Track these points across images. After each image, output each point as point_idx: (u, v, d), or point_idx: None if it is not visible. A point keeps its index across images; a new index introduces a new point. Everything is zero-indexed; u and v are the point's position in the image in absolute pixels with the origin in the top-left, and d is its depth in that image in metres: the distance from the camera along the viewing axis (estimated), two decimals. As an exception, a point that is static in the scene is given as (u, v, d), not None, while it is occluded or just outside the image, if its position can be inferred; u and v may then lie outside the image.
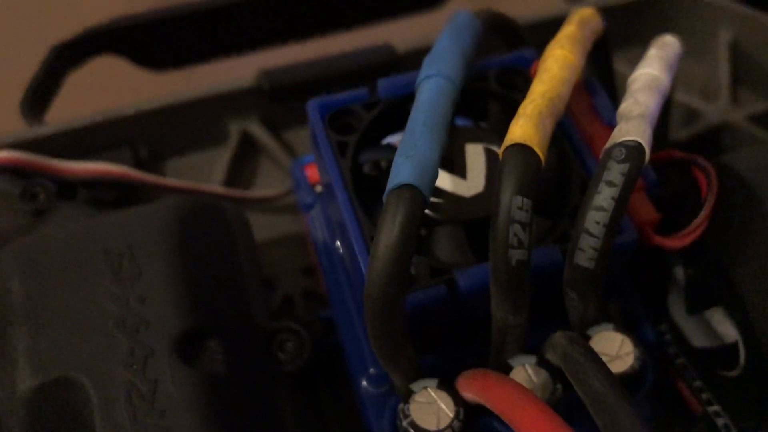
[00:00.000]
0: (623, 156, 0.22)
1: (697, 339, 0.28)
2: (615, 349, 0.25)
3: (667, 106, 0.31)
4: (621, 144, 0.22)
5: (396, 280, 0.21)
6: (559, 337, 0.23)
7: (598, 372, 0.20)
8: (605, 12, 0.38)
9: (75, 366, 0.24)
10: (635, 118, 0.23)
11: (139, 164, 0.37)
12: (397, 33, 0.43)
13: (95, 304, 0.25)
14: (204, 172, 0.38)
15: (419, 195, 0.21)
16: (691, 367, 0.29)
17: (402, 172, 0.21)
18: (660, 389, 0.30)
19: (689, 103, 0.39)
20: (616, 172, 0.22)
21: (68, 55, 0.39)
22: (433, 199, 0.26)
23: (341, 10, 0.42)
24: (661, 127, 0.32)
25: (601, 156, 0.22)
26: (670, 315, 0.29)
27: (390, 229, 0.20)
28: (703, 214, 0.25)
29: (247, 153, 0.39)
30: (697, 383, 0.29)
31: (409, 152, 0.22)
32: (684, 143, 0.37)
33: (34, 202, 0.33)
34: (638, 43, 0.40)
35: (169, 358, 0.24)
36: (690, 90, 0.40)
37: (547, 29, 0.28)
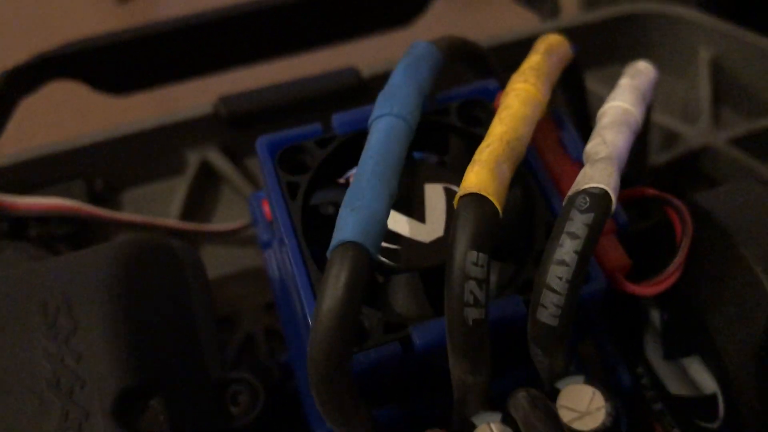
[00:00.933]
0: (587, 205, 0.20)
1: (674, 386, 0.27)
2: (585, 403, 0.23)
3: (645, 132, 0.30)
4: (585, 191, 0.20)
5: (340, 344, 0.19)
6: (521, 398, 0.21)
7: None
8: (581, 29, 0.37)
9: (3, 433, 0.22)
10: (601, 160, 0.21)
11: (93, 197, 0.36)
12: (366, 52, 0.41)
13: (28, 363, 0.23)
14: (162, 203, 0.36)
15: (364, 252, 0.19)
16: (668, 414, 0.27)
17: (346, 227, 0.19)
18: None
19: (669, 125, 0.37)
20: (579, 222, 0.20)
21: (21, 81, 0.38)
22: (389, 245, 0.24)
23: (308, 29, 0.41)
24: (640, 154, 0.31)
25: (563, 204, 0.21)
26: (646, 358, 0.28)
27: (333, 291, 0.19)
28: (677, 260, 0.24)
29: (207, 183, 0.37)
30: (675, 431, 0.27)
31: (355, 203, 0.20)
32: (664, 167, 0.35)
33: (-22, 242, 0.31)
34: (616, 61, 0.38)
35: (106, 420, 0.22)
36: (670, 110, 0.38)
37: (519, 50, 0.26)
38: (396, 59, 0.25)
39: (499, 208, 0.20)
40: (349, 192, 0.21)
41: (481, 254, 0.20)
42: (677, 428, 0.27)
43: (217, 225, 0.35)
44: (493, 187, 0.20)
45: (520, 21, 0.41)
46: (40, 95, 0.39)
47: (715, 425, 0.25)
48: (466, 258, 0.19)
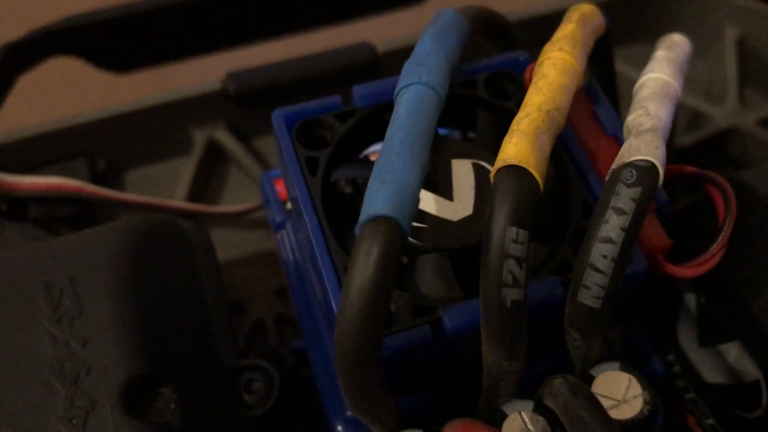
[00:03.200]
0: (634, 178, 0.19)
1: (710, 374, 0.25)
2: (622, 392, 0.22)
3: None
4: (631, 164, 0.19)
5: (371, 327, 0.18)
6: (560, 385, 0.20)
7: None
8: (604, 6, 0.35)
9: (6, 422, 0.21)
10: (646, 132, 0.20)
11: (96, 177, 0.34)
12: (378, 31, 0.40)
13: (31, 347, 0.22)
14: (167, 185, 0.35)
15: (397, 227, 0.18)
16: (702, 404, 0.26)
17: (377, 201, 0.18)
18: (668, 424, 0.28)
19: (694, 106, 0.36)
20: (626, 197, 0.19)
21: (20, 56, 0.36)
22: (415, 224, 0.23)
23: (318, 5, 0.39)
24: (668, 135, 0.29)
25: (607, 177, 0.20)
26: (679, 345, 0.27)
27: (363, 269, 0.17)
28: (721, 240, 0.22)
29: (214, 163, 0.36)
30: (710, 421, 0.26)
31: (386, 176, 0.19)
32: (690, 149, 0.34)
33: (-25, 223, 0.30)
34: (640, 41, 0.37)
35: (113, 409, 0.21)
36: (695, 91, 0.37)
37: (543, 26, 0.25)
38: (411, 37, 0.23)
39: (540, 181, 0.19)
40: (377, 164, 0.19)
41: (521, 231, 0.18)
42: (713, 419, 0.26)
43: (226, 206, 0.34)
44: (533, 159, 0.19)
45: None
46: (37, 72, 0.38)
47: (756, 414, 0.24)
48: (506, 235, 0.18)
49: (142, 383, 0.22)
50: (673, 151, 0.32)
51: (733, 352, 0.24)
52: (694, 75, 0.38)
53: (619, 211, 0.19)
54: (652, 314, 0.27)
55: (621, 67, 0.32)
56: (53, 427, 0.21)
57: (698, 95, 0.37)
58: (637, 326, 0.26)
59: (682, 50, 0.25)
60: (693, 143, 0.34)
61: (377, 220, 0.18)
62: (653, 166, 0.19)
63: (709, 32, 0.38)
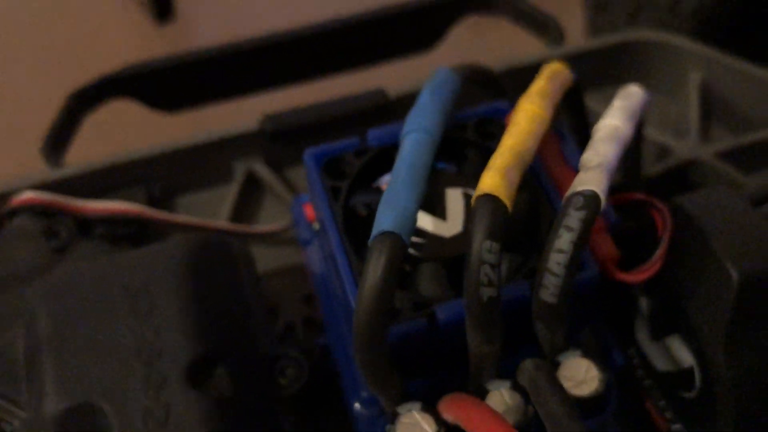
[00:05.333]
0: (581, 204, 0.25)
1: (660, 363, 0.31)
2: (582, 373, 0.27)
3: (639, 146, 0.34)
4: (579, 193, 0.25)
5: (378, 317, 0.23)
6: (527, 364, 0.25)
7: (556, 395, 0.23)
8: (584, 55, 0.41)
9: (97, 392, 0.27)
10: (593, 168, 0.26)
11: (152, 201, 0.40)
12: (393, 74, 0.46)
13: (114, 336, 0.28)
14: (211, 209, 0.41)
15: (399, 241, 0.24)
16: (656, 389, 0.32)
17: (385, 221, 0.24)
18: (630, 408, 0.33)
19: (662, 140, 0.41)
20: (574, 218, 0.24)
21: (85, 100, 0.43)
22: (416, 239, 0.29)
23: (339, 54, 0.45)
24: (635, 165, 0.35)
25: (562, 203, 0.25)
26: (636, 341, 0.32)
27: (374, 272, 0.23)
28: (659, 252, 0.28)
29: (252, 191, 0.42)
30: (662, 403, 0.31)
31: (391, 202, 0.25)
32: (656, 178, 0.40)
33: (55, 240, 0.36)
34: (614, 83, 0.42)
35: (181, 384, 0.27)
36: (663, 127, 0.43)
37: (528, 73, 0.31)
38: (419, 80, 0.29)
39: (508, 206, 0.25)
40: (386, 193, 0.25)
41: (494, 243, 0.24)
42: (664, 401, 0.31)
43: (261, 226, 0.40)
44: (503, 188, 0.25)
45: (528, 46, 0.46)
46: (98, 114, 0.44)
47: (693, 394, 0.29)
48: (482, 246, 0.24)
49: (202, 363, 0.28)
50: (643, 179, 0.38)
51: (675, 343, 0.30)
52: (664, 114, 0.43)
53: (569, 229, 0.24)
54: (615, 316, 0.33)
55: (599, 107, 0.38)
56: (135, 397, 0.27)
57: (666, 132, 0.43)
58: (602, 326, 0.32)
59: (635, 99, 0.30)
60: (659, 173, 0.40)
61: (384, 234, 0.24)
62: (596, 195, 0.25)
63: (676, 76, 0.43)
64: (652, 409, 0.32)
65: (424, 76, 0.30)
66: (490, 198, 0.24)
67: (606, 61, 0.44)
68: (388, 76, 0.44)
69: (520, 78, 0.33)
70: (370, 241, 0.24)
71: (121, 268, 0.30)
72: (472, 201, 0.25)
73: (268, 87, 0.45)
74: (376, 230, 0.24)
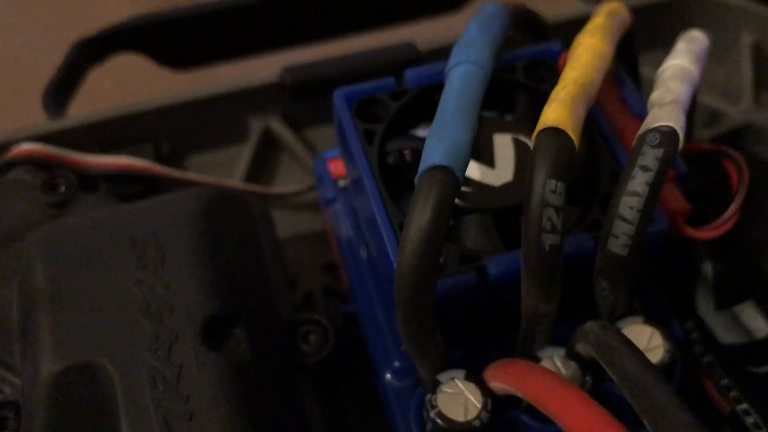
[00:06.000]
0: (657, 141, 0.22)
1: (726, 335, 0.28)
2: (644, 341, 0.24)
3: (691, 106, 0.31)
4: (655, 129, 0.22)
5: (428, 262, 0.20)
6: (591, 325, 0.22)
7: (633, 356, 0.20)
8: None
9: (99, 351, 0.24)
10: (668, 104, 0.23)
11: (159, 160, 0.37)
12: (418, 35, 0.43)
13: (119, 290, 0.25)
14: (225, 169, 0.38)
15: (452, 177, 0.21)
16: (718, 366, 0.28)
17: (435, 154, 0.21)
18: (686, 388, 0.30)
19: (712, 105, 0.38)
20: (650, 157, 0.21)
21: (90, 51, 0.40)
22: (462, 188, 0.25)
23: (363, 10, 0.42)
24: (688, 123, 0.32)
25: (634, 142, 0.22)
26: (697, 312, 0.29)
27: (422, 211, 0.20)
28: (735, 205, 0.25)
29: (268, 150, 0.39)
30: (725, 381, 0.28)
31: (441, 134, 0.22)
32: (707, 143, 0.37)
33: (55, 194, 0.33)
34: (660, 46, 0.40)
35: (194, 343, 0.24)
36: (712, 91, 0.40)
37: (571, 29, 0.28)
38: (450, 38, 0.26)
39: (576, 142, 0.22)
40: (433, 126, 0.22)
41: (559, 183, 0.21)
42: (728, 378, 0.28)
43: (279, 187, 0.37)
44: (570, 122, 0.22)
45: (564, 5, 0.43)
46: (103, 69, 0.41)
47: (766, 368, 0.26)
48: (546, 186, 0.21)
49: (218, 322, 0.25)
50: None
51: (746, 311, 0.27)
52: (712, 78, 0.41)
53: (645, 168, 0.21)
54: (673, 285, 0.30)
55: (643, 71, 0.35)
56: (141, 356, 0.24)
57: (716, 96, 0.40)
58: (657, 295, 0.29)
59: (699, 44, 0.28)
60: (710, 138, 0.37)
61: (434, 169, 0.21)
62: (674, 131, 0.22)
63: (726, 38, 0.41)
64: (712, 389, 0.29)
65: (454, 35, 0.27)
66: (555, 132, 0.21)
67: (650, 22, 0.41)
68: (415, 37, 0.41)
69: (563, 34, 0.30)
70: (417, 177, 0.21)
71: (126, 218, 0.27)
72: (533, 136, 0.22)
73: (287, 44, 0.42)
74: (424, 164, 0.21)
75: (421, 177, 0.21)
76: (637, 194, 0.21)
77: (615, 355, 0.20)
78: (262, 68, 0.41)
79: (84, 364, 0.24)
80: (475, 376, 0.24)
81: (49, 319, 0.25)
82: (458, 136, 0.22)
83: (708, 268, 0.28)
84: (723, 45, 0.41)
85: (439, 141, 0.21)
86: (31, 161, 0.34)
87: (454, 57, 0.25)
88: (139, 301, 0.25)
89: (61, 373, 0.24)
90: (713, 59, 0.41)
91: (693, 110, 0.32)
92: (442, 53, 0.26)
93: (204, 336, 0.24)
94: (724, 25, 0.40)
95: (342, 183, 0.32)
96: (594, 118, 0.27)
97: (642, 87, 0.32)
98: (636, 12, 0.40)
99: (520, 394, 0.21)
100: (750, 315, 0.27)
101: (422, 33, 0.42)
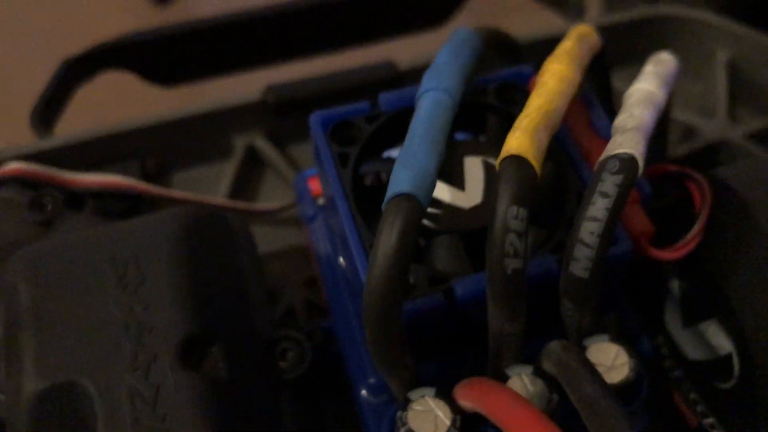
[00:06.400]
0: (617, 168, 0.22)
1: (693, 351, 0.29)
2: (610, 359, 0.25)
3: (665, 123, 0.32)
4: (615, 156, 0.23)
5: (394, 286, 0.21)
6: (554, 345, 0.23)
7: (590, 378, 0.21)
8: (603, 31, 0.39)
9: (80, 370, 0.25)
10: (630, 131, 0.24)
11: (146, 176, 0.38)
12: (401, 50, 0.44)
13: (101, 310, 0.26)
14: (209, 185, 0.39)
15: (417, 203, 0.21)
16: (686, 380, 0.29)
17: (401, 181, 0.22)
18: (656, 402, 0.31)
19: (687, 121, 0.39)
20: (610, 183, 0.22)
21: (79, 69, 0.40)
22: (432, 210, 0.26)
23: (346, 27, 0.43)
24: (660, 143, 0.33)
25: (596, 167, 0.23)
26: (666, 328, 0.30)
27: (388, 237, 0.21)
28: (697, 227, 0.26)
29: (252, 166, 0.40)
30: (693, 396, 0.29)
31: (408, 161, 0.22)
32: (682, 160, 0.37)
33: (41, 212, 0.34)
34: (637, 61, 0.40)
35: (172, 363, 0.25)
36: (688, 108, 0.40)
37: (545, 48, 0.29)
38: (430, 55, 0.27)
39: (537, 169, 0.22)
40: (401, 153, 0.23)
41: (521, 209, 0.22)
42: (695, 393, 0.29)
43: (262, 204, 0.38)
44: (532, 150, 0.22)
45: (544, 22, 0.44)
46: (92, 86, 0.42)
47: (730, 385, 0.27)
48: (508, 212, 0.22)
49: (195, 341, 0.25)
50: (666, 159, 0.36)
51: (710, 329, 0.27)
52: (689, 93, 0.41)
53: (604, 195, 0.22)
54: (643, 301, 0.30)
55: (619, 85, 0.36)
56: (121, 376, 0.24)
57: (691, 112, 0.40)
58: (628, 311, 0.29)
59: (667, 66, 0.28)
60: (685, 154, 0.37)
61: (400, 196, 0.21)
62: (633, 158, 0.23)
63: (702, 55, 0.41)
64: (681, 403, 0.29)
65: (435, 52, 0.28)
66: (517, 160, 0.22)
67: (627, 39, 0.41)
68: (396, 53, 0.42)
69: (538, 53, 0.30)
70: (384, 204, 0.22)
71: (108, 239, 0.27)
72: (497, 163, 0.23)
73: (272, 61, 0.43)
74: (391, 191, 0.22)
75: (388, 204, 0.22)
76: (597, 219, 0.22)
77: (573, 377, 0.21)
78: (248, 84, 0.42)
79: (66, 383, 0.24)
80: (446, 394, 0.24)
81: (31, 339, 0.25)
82: (424, 164, 0.22)
83: (675, 286, 0.29)
84: (699, 61, 0.41)
85: (405, 168, 0.22)
86: (19, 180, 0.35)
87: (425, 83, 0.26)
88: (118, 321, 0.25)
89: (43, 393, 0.24)
90: (689, 75, 0.41)
91: (666, 128, 0.33)
92: (421, 72, 0.27)
93: (181, 356, 0.25)
94: (700, 42, 0.41)
95: (321, 201, 0.33)
96: (562, 141, 0.27)
97: (615, 104, 0.33)
98: (613, 28, 0.41)
99: (483, 413, 0.22)
100: (714, 332, 0.27)
101: (404, 49, 0.43)
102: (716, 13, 0.41)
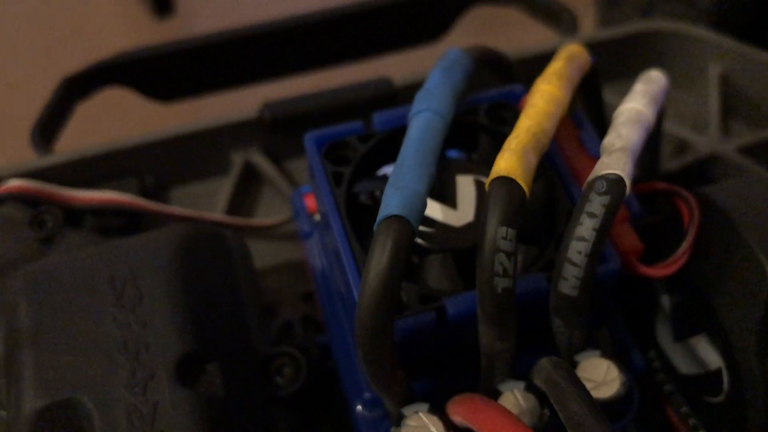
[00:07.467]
0: (604, 188, 0.23)
1: (684, 366, 0.29)
2: (601, 375, 0.25)
3: (657, 138, 0.32)
4: (602, 177, 0.23)
5: (385, 306, 0.21)
6: (544, 362, 0.23)
7: (578, 395, 0.21)
8: (598, 46, 0.39)
9: (79, 388, 0.25)
10: (617, 151, 0.24)
11: (144, 193, 0.38)
12: (398, 66, 0.44)
13: (99, 328, 0.26)
14: (207, 201, 0.39)
15: (407, 225, 0.22)
16: (678, 394, 0.30)
17: (391, 203, 0.22)
18: (649, 415, 0.31)
19: (680, 135, 0.40)
20: (597, 204, 0.23)
21: (78, 87, 0.41)
22: (424, 229, 0.27)
23: (343, 43, 0.44)
24: (652, 159, 0.33)
25: (583, 188, 0.23)
26: (658, 343, 0.30)
27: (380, 258, 0.21)
28: (686, 244, 0.26)
29: (249, 182, 0.40)
30: (684, 409, 0.29)
31: (399, 184, 0.23)
32: (675, 174, 0.38)
33: (41, 230, 0.34)
34: (630, 76, 0.40)
35: (169, 380, 0.25)
36: (681, 122, 0.41)
37: (538, 63, 0.29)
38: (425, 71, 0.28)
39: (526, 190, 0.23)
40: (392, 175, 0.23)
41: (510, 230, 0.22)
42: (686, 407, 0.29)
43: (260, 219, 0.38)
44: (520, 171, 0.23)
45: (540, 39, 0.44)
46: (91, 103, 0.43)
47: (719, 399, 0.27)
48: (497, 233, 0.22)
49: (192, 359, 0.26)
50: (659, 174, 0.36)
51: (700, 343, 0.28)
52: (682, 108, 0.42)
53: (591, 215, 0.22)
54: (635, 316, 0.31)
55: (613, 100, 0.36)
56: (119, 393, 0.25)
57: (685, 126, 0.41)
58: (621, 326, 0.30)
59: (657, 84, 0.29)
60: (678, 168, 0.38)
61: (391, 218, 0.22)
62: (620, 178, 0.23)
63: (694, 69, 0.42)
64: (673, 416, 0.30)
65: (428, 68, 0.28)
66: (506, 181, 0.23)
67: (621, 53, 0.42)
68: (392, 69, 0.42)
69: (531, 69, 0.31)
70: (375, 226, 0.22)
71: (106, 258, 0.28)
72: (486, 184, 0.23)
73: (269, 77, 0.43)
74: (382, 214, 0.22)
75: (379, 225, 0.22)
76: (585, 239, 0.22)
77: (561, 394, 0.22)
78: (245, 100, 0.42)
79: (65, 400, 0.25)
80: (439, 410, 0.25)
81: (31, 357, 0.26)
82: (414, 186, 0.23)
83: (666, 301, 0.29)
84: (691, 76, 0.42)
85: (396, 190, 0.23)
86: (19, 197, 0.35)
87: (416, 104, 0.26)
88: (117, 339, 0.26)
89: (43, 410, 0.25)
90: (682, 90, 0.42)
91: (658, 144, 0.33)
92: (416, 88, 0.27)
93: (178, 373, 0.25)
94: (693, 57, 0.42)
95: (318, 217, 0.34)
96: (552, 160, 0.28)
97: (607, 120, 0.33)
98: (606, 44, 0.42)
99: (474, 429, 0.22)
100: (704, 347, 0.28)
101: (401, 64, 0.44)
102: (709, 28, 0.42)
